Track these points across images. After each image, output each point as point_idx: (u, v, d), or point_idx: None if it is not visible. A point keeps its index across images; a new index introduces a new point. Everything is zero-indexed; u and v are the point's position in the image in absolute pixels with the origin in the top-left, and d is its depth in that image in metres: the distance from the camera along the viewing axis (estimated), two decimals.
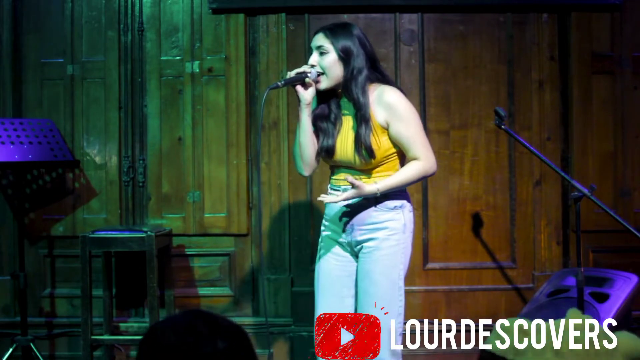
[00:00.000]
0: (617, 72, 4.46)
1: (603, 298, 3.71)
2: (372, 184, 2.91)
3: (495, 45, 4.53)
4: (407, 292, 4.46)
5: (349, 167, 3.00)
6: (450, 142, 4.50)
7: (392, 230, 2.97)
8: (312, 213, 4.47)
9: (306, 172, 3.11)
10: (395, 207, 2.98)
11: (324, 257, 3.11)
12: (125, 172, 4.48)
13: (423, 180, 4.37)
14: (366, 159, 2.93)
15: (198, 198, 4.46)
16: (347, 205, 3.01)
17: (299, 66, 3.03)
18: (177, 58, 4.49)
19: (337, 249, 3.09)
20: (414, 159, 2.95)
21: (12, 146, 4.09)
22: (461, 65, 4.52)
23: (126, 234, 4.05)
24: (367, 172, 2.97)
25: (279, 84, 2.98)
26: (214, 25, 4.48)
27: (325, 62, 2.97)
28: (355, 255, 3.06)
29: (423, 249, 4.50)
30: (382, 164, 2.97)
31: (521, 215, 4.51)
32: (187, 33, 4.48)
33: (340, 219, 3.04)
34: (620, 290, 3.73)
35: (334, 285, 3.08)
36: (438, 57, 4.52)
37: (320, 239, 3.15)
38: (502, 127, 3.44)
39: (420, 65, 4.50)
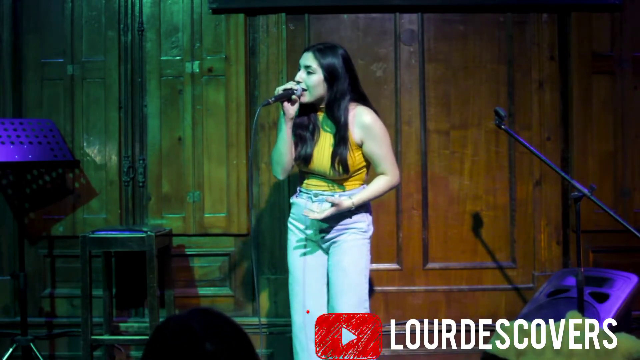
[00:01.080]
0: (617, 72, 4.46)
1: (603, 298, 3.70)
2: (348, 200, 3.22)
3: (495, 45, 4.52)
4: (407, 292, 4.53)
5: (321, 176, 3.27)
6: (450, 142, 4.51)
7: (359, 229, 3.28)
8: None
9: (282, 177, 3.40)
10: (360, 211, 3.28)
11: (298, 254, 3.35)
12: (125, 172, 4.48)
13: (423, 180, 4.44)
14: (340, 173, 3.22)
15: (198, 198, 4.46)
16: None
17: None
18: (177, 58, 4.49)
19: (309, 245, 3.34)
20: (382, 173, 3.29)
21: (12, 146, 4.09)
22: (461, 65, 4.52)
23: (126, 234, 4.05)
24: (339, 181, 3.25)
25: (270, 100, 3.23)
26: (214, 25, 4.48)
27: (310, 81, 3.22)
28: (325, 251, 3.32)
29: (423, 249, 4.50)
30: (353, 176, 3.28)
31: (521, 215, 4.50)
32: (187, 33, 4.48)
33: (311, 222, 3.28)
34: (620, 290, 3.73)
35: (311, 276, 3.32)
36: (438, 57, 4.52)
37: (289, 237, 3.38)
38: (502, 127, 3.45)
39: (420, 65, 4.50)
